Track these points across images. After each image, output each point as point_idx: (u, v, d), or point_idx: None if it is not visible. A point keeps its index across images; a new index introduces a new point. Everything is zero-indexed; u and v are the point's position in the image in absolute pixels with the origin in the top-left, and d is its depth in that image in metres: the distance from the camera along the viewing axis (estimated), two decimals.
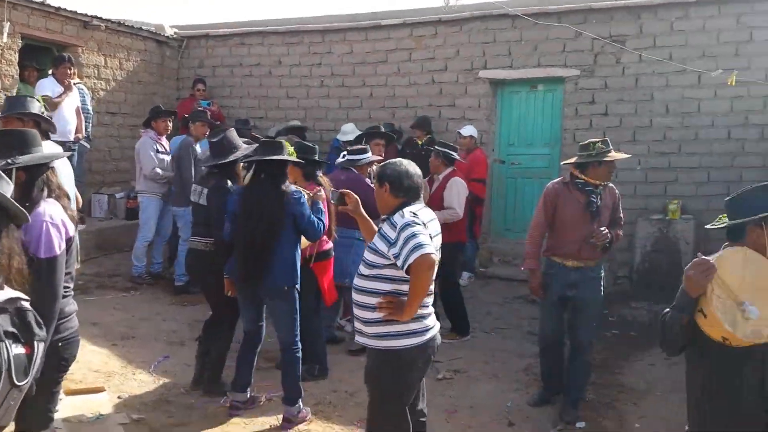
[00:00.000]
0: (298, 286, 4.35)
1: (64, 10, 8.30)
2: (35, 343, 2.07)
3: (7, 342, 1.95)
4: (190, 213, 5.26)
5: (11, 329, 1.99)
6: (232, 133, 4.83)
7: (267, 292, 4.32)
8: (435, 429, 4.10)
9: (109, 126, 9.03)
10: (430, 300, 3.21)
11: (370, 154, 5.89)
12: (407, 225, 3.03)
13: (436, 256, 3.03)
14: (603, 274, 4.65)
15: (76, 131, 7.49)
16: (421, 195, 3.26)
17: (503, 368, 5.51)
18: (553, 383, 4.81)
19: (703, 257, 2.49)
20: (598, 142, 4.58)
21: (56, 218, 2.72)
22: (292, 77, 9.77)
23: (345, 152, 6.08)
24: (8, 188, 2.22)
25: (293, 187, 4.36)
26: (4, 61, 7.69)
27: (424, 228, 3.06)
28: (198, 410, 4.50)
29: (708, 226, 2.88)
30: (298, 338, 4.38)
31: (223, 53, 10.19)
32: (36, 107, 4.10)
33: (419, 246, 2.95)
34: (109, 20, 9.04)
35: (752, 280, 2.45)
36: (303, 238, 4.42)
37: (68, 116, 7.33)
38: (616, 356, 5.83)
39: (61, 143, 5.69)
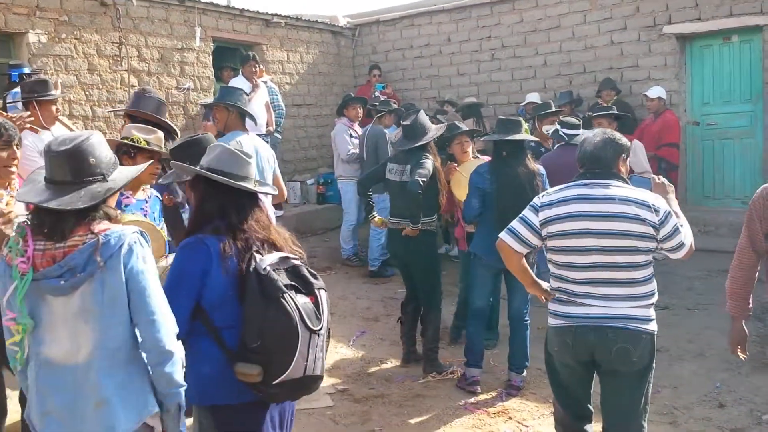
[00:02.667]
0: None
1: (248, 11, 8.93)
2: (316, 291, 2.31)
3: (289, 293, 2.20)
4: (386, 199, 5.44)
5: (291, 282, 2.24)
6: (423, 115, 4.92)
7: None
8: None
9: (296, 117, 9.60)
10: (576, 288, 2.89)
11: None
12: None
13: (513, 242, 2.94)
14: None
15: (267, 125, 8.05)
16: (604, 168, 2.93)
17: (710, 347, 5.09)
18: None
19: None
20: None
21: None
22: (462, 53, 9.72)
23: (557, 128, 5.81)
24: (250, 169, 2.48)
25: (535, 164, 4.52)
26: (199, 64, 8.43)
27: (533, 211, 2.94)
28: (396, 383, 4.71)
29: None
30: (528, 309, 4.51)
31: (393, 37, 10.39)
32: (243, 101, 4.61)
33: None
34: (288, 17, 9.58)
35: None
36: None
37: (258, 111, 7.83)
38: None
39: None
